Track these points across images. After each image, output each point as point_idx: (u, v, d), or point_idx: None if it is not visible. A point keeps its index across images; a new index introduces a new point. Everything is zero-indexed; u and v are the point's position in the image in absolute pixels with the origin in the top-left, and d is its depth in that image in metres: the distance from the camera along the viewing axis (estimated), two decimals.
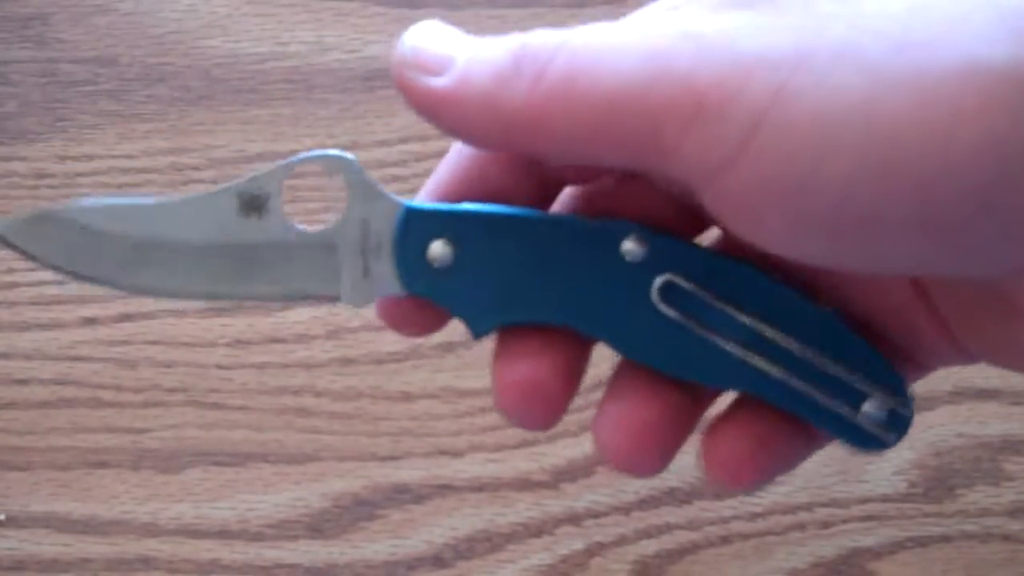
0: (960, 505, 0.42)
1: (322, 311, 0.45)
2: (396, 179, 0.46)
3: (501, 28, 0.48)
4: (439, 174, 0.27)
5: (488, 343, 0.45)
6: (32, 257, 0.28)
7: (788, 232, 0.23)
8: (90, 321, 0.45)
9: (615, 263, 0.26)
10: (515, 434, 0.44)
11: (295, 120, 0.48)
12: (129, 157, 0.47)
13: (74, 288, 0.46)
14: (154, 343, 0.45)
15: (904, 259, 0.23)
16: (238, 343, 0.45)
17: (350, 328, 0.45)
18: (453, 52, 0.25)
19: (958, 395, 0.44)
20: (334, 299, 0.27)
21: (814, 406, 0.26)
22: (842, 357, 0.26)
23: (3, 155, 0.47)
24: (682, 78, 0.22)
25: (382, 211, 0.27)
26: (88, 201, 0.27)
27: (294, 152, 0.47)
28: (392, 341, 0.45)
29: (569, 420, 0.44)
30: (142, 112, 0.48)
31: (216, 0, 0.49)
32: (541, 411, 0.28)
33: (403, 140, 0.47)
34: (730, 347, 0.26)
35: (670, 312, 0.26)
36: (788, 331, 0.26)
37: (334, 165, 0.27)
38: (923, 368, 0.28)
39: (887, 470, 0.43)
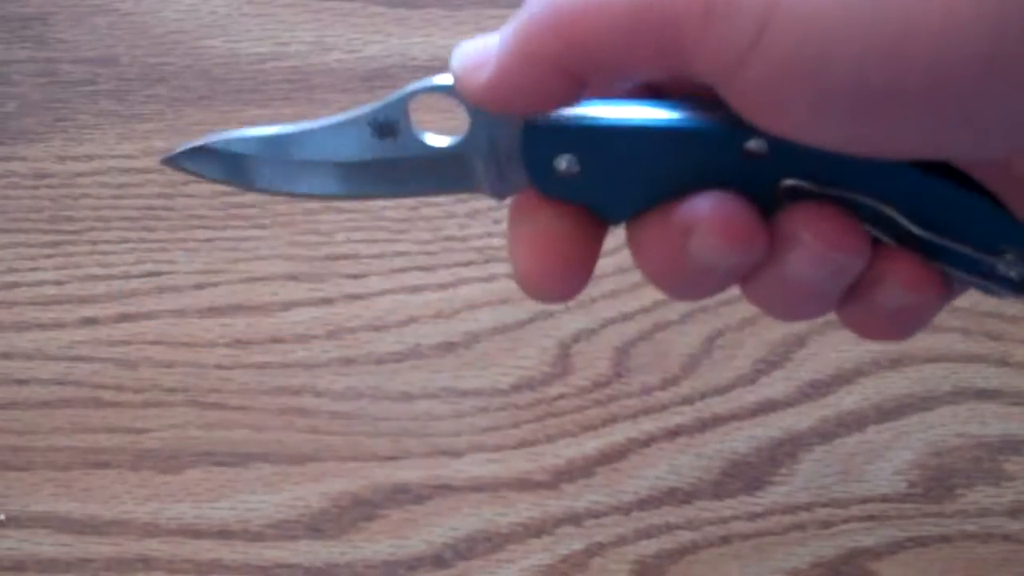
0: (960, 505, 0.42)
1: (321, 311, 0.45)
2: None
3: (501, 28, 0.48)
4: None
5: (488, 347, 0.45)
6: (198, 176, 0.31)
7: (810, 118, 0.24)
8: (90, 321, 0.45)
9: (741, 160, 0.27)
10: (515, 434, 0.44)
11: (295, 120, 0.48)
12: (129, 157, 0.47)
13: (74, 288, 0.46)
14: (154, 343, 0.45)
15: (923, 136, 0.24)
16: (238, 343, 0.45)
17: (350, 328, 0.45)
18: (488, 46, 0.27)
19: (958, 395, 0.44)
20: (476, 191, 0.29)
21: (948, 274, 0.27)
22: (970, 224, 0.27)
23: (3, 155, 0.47)
24: None
25: (504, 128, 0.28)
26: (233, 134, 0.30)
27: None
28: (392, 341, 0.45)
29: (569, 420, 0.44)
30: (142, 112, 0.48)
31: (216, 0, 0.49)
32: (560, 275, 0.28)
33: None
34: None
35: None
36: (916, 212, 0.27)
37: (449, 89, 0.28)
38: None
39: (887, 470, 0.43)
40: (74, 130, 0.48)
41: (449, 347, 0.45)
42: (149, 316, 0.45)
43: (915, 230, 0.27)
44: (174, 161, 0.31)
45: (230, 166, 0.31)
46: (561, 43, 0.25)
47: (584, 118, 0.27)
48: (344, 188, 0.30)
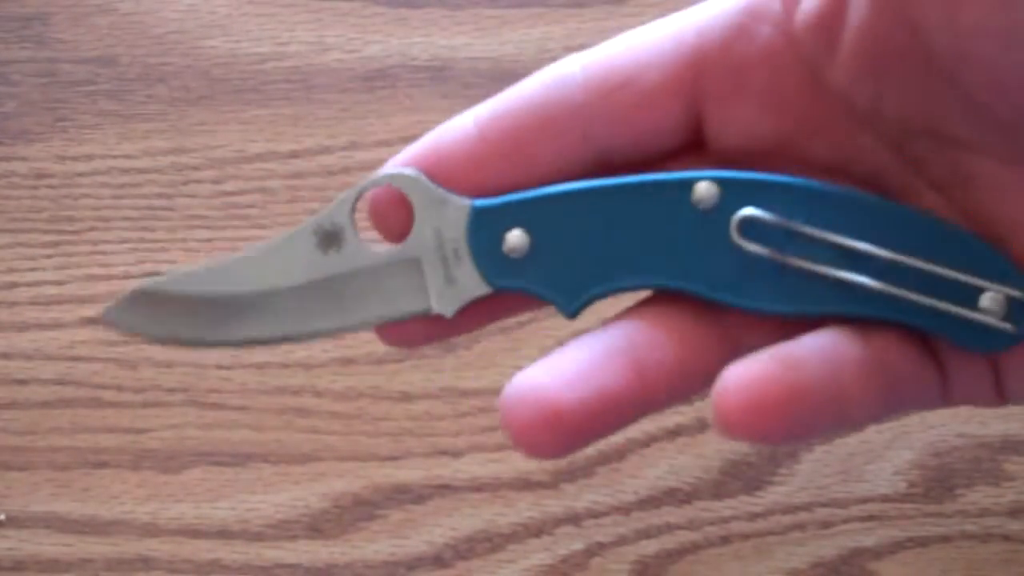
0: (960, 505, 0.42)
1: None
2: None
3: (501, 28, 0.48)
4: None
5: (488, 347, 0.45)
6: (141, 336, 0.29)
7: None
8: (90, 321, 0.45)
9: (691, 213, 0.26)
10: None
11: (295, 120, 0.48)
12: (129, 157, 0.47)
13: (74, 288, 0.46)
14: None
15: None
16: None
17: None
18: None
19: None
20: (426, 312, 0.28)
21: (925, 312, 0.26)
22: (947, 256, 0.25)
23: (3, 155, 0.47)
24: None
25: (452, 216, 0.27)
26: (177, 272, 0.28)
27: (294, 152, 0.47)
28: None
29: None
30: (142, 112, 0.48)
31: (216, 0, 0.49)
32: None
33: (403, 140, 0.47)
34: (823, 270, 0.25)
35: (752, 247, 0.26)
36: (883, 241, 0.25)
37: (396, 183, 0.27)
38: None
39: (887, 470, 0.43)
40: (74, 130, 0.48)
41: (449, 347, 0.45)
42: None
43: (887, 255, 0.25)
44: (113, 318, 0.29)
45: (173, 311, 0.28)
46: None
47: (531, 192, 0.27)
48: (292, 323, 0.28)
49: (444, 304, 0.27)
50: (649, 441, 0.43)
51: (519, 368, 0.44)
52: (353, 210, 0.28)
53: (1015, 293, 0.25)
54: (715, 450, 0.43)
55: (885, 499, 0.43)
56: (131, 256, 0.46)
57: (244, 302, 0.28)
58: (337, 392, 0.44)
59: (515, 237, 0.27)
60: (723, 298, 0.26)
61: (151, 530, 0.43)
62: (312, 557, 0.42)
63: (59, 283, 0.46)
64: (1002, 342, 0.26)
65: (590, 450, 0.43)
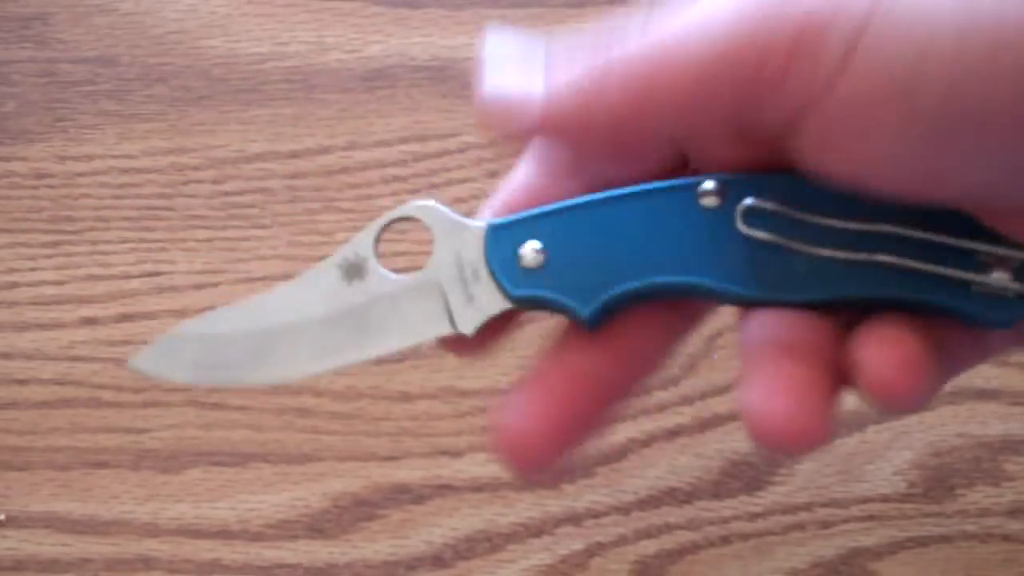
0: (960, 505, 0.42)
1: None
2: (396, 179, 0.46)
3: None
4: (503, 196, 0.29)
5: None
6: (170, 380, 0.29)
7: (890, 147, 0.23)
8: (90, 321, 0.45)
9: (697, 212, 0.27)
10: None
11: (295, 120, 0.48)
12: (129, 157, 0.47)
13: (74, 288, 0.46)
14: None
15: (997, 171, 0.23)
16: None
17: None
18: (527, 82, 0.27)
19: (958, 395, 0.44)
20: (450, 333, 0.29)
21: (939, 286, 0.26)
22: (954, 235, 0.26)
23: (3, 155, 0.47)
24: (776, 17, 0.23)
25: (469, 239, 0.28)
26: (203, 315, 0.29)
27: (294, 152, 0.47)
28: None
29: None
30: (142, 112, 0.48)
31: (216, 0, 0.49)
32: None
33: (403, 140, 0.47)
34: (828, 252, 0.26)
35: (758, 233, 0.27)
36: (886, 219, 0.26)
37: (416, 215, 0.29)
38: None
39: (887, 470, 0.43)
40: (74, 130, 0.48)
41: None
42: (149, 316, 0.45)
43: (895, 231, 0.26)
44: (142, 365, 0.29)
45: (202, 353, 0.29)
46: (627, 101, 0.25)
47: (543, 207, 0.28)
48: (319, 355, 0.29)
49: (465, 322, 0.28)
50: (649, 441, 0.43)
51: (519, 368, 0.44)
52: (377, 242, 0.29)
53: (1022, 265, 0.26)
54: (715, 450, 0.43)
55: (885, 499, 0.43)
56: (131, 256, 0.46)
57: (272, 337, 0.29)
58: (337, 392, 0.44)
59: (529, 249, 0.28)
60: (732, 290, 0.27)
61: (151, 530, 0.43)
62: (312, 557, 0.42)
63: (59, 283, 0.46)
64: (1018, 313, 0.26)
65: (590, 450, 0.43)
